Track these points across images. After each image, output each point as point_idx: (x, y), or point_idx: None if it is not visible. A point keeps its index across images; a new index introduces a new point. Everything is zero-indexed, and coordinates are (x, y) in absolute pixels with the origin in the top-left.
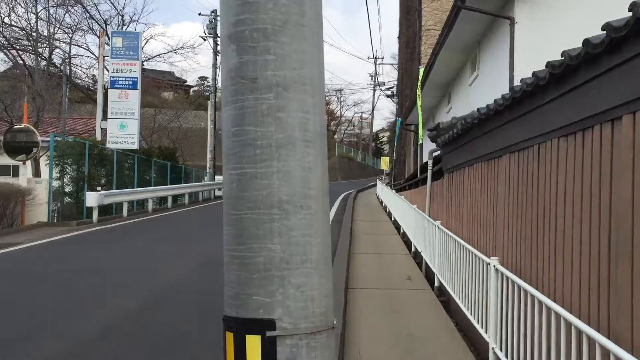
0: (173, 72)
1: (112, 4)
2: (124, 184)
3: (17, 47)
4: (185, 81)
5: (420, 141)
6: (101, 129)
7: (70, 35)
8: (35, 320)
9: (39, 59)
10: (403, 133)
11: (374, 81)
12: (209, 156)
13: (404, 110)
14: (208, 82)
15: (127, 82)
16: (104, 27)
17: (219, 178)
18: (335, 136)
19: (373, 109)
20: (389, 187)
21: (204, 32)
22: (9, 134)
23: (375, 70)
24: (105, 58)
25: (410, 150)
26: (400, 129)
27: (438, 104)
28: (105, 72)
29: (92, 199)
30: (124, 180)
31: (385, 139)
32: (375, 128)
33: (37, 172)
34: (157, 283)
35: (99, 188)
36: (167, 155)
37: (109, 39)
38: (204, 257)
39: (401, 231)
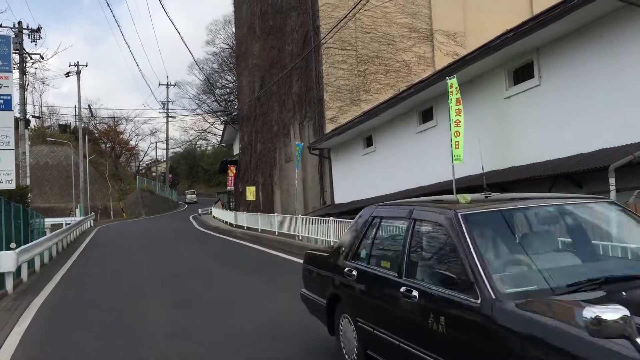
0: None
1: None
2: None
3: None
4: None
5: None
6: None
7: None
8: None
9: None
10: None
11: (167, 110)
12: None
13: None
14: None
15: None
16: None
17: (48, 220)
18: (132, 168)
19: (167, 139)
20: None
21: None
22: None
23: (167, 96)
24: None
25: (280, 180)
26: (301, 154)
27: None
28: None
29: (9, 261)
30: None
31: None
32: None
33: None
34: None
35: (13, 245)
36: (18, 197)
37: None
38: None
39: None
